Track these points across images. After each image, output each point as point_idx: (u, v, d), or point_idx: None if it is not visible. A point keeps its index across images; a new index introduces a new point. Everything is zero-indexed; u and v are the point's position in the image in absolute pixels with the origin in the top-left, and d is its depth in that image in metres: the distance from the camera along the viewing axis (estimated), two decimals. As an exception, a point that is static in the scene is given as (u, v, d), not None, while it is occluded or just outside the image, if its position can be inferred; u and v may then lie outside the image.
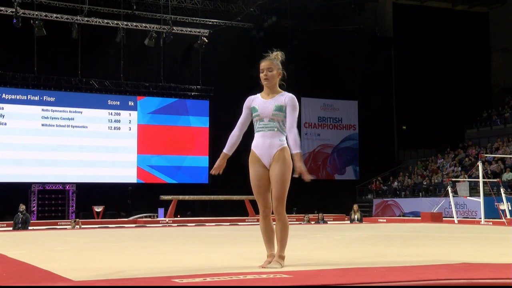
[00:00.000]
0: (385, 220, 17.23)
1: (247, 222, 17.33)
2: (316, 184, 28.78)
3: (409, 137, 31.42)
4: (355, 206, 17.86)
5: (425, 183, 26.03)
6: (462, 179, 22.41)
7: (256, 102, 4.40)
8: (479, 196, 15.72)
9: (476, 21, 32.40)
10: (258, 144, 4.35)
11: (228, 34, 26.91)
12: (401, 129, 32.40)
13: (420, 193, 25.38)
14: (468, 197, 19.79)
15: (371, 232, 10.01)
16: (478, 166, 15.71)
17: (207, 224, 16.27)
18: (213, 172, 4.56)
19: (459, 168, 25.86)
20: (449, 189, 16.63)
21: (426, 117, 29.94)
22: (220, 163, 4.51)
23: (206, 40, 25.87)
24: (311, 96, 29.64)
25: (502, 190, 15.43)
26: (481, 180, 15.35)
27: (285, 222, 4.42)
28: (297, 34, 28.07)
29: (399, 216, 23.14)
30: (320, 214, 18.12)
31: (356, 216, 17.42)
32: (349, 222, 17.64)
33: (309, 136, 29.85)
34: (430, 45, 30.29)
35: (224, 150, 4.51)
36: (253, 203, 19.34)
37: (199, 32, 26.05)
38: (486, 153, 23.08)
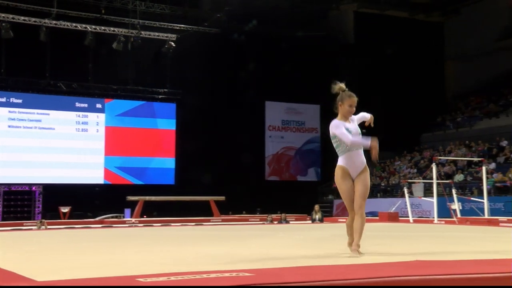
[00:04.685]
0: (345, 220, 17.37)
1: (212, 222, 17.25)
2: (279, 185, 28.95)
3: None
4: (317, 206, 17.98)
5: (383, 184, 26.43)
6: (417, 181, 22.84)
7: (345, 125, 5.25)
8: (433, 196, 16.03)
9: (432, 31, 33.10)
10: (350, 162, 5.23)
11: (195, 39, 26.78)
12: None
13: (379, 194, 25.73)
14: (422, 198, 20.18)
15: (332, 231, 10.10)
16: (432, 168, 16.03)
17: (172, 224, 16.14)
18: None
19: (415, 170, 26.36)
20: (405, 190, 16.91)
21: (384, 121, 30.31)
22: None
23: (174, 45, 25.71)
24: (276, 100, 29.76)
25: (454, 191, 15.79)
26: (434, 181, 15.66)
27: (364, 218, 5.33)
28: (263, 39, 28.13)
29: (359, 216, 23.35)
30: (283, 214, 18.17)
31: (317, 216, 17.54)
32: (310, 222, 17.75)
33: (273, 139, 29.96)
34: (389, 52, 30.74)
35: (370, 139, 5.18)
36: (218, 203, 19.28)
37: (166, 36, 25.87)
38: (440, 156, 23.58)
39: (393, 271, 3.66)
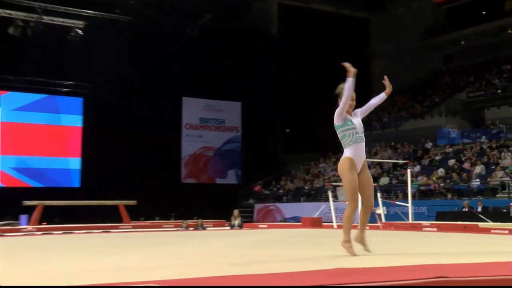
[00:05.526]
0: (266, 226, 17.57)
1: (121, 229, 16.87)
2: (196, 188, 28.83)
3: (293, 141, 32.34)
4: (236, 212, 18.04)
5: (307, 187, 26.96)
6: (342, 184, 23.42)
7: (348, 117, 5.86)
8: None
9: (358, 26, 34.20)
10: (358, 153, 5.73)
11: (106, 27, 26.10)
12: (285, 133, 33.31)
13: (302, 198, 26.22)
14: (347, 202, 20.72)
15: (251, 237, 10.16)
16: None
17: (76, 231, 15.63)
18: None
19: (340, 173, 27.08)
20: (330, 194, 17.30)
21: (310, 120, 30.99)
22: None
23: (81, 33, 24.91)
24: (194, 96, 29.61)
25: (378, 195, 16.29)
26: (360, 184, 16.11)
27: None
28: (182, 30, 27.91)
29: (280, 221, 23.73)
30: (199, 220, 18.11)
31: (236, 222, 17.61)
32: (229, 228, 17.79)
33: (190, 138, 29.78)
34: (314, 47, 31.40)
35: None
36: (129, 208, 18.89)
37: (72, 23, 25.02)
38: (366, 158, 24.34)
39: (314, 279, 3.71)
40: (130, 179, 25.24)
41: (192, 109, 29.88)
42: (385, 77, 5.99)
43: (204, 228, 17.58)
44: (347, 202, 5.83)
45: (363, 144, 5.82)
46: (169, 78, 27.30)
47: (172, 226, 18.58)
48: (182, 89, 28.76)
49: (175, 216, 22.94)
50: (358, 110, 6.02)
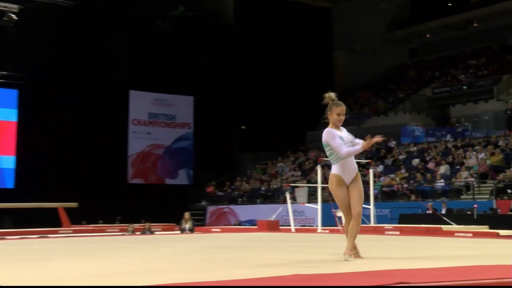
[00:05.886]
0: (219, 230, 17.59)
1: (60, 234, 16.60)
2: (144, 189, 28.57)
3: (249, 139, 32.37)
4: (187, 214, 17.99)
5: (263, 188, 27.07)
6: (301, 185, 23.67)
7: (337, 134, 6.07)
8: (317, 202, 16.68)
9: (320, 17, 34.45)
10: (345, 170, 6.06)
11: (44, 12, 25.53)
12: (241, 130, 33.32)
13: (258, 200, 26.31)
14: (306, 204, 20.95)
15: (203, 242, 10.15)
16: (317, 170, 16.67)
17: (8, 237, 15.29)
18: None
19: (299, 173, 27.32)
20: (288, 195, 17.44)
21: (267, 117, 31.08)
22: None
23: (15, 18, 24.29)
24: (141, 89, 29.31)
25: (340, 196, 16.49)
26: (319, 185, 16.31)
27: (360, 224, 6.19)
28: (129, 18, 27.58)
29: (235, 225, 23.77)
30: (147, 224, 17.99)
31: (187, 226, 17.56)
32: (179, 232, 17.73)
33: (137, 135, 29.48)
34: (274, 38, 31.45)
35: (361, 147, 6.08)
36: (69, 211, 18.58)
37: (5, 7, 24.36)
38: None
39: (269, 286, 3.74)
40: (70, 179, 24.83)
41: (140, 103, 29.57)
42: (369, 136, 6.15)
43: (152, 233, 17.47)
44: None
45: (352, 159, 6.16)
46: (115, 69, 26.95)
47: (117, 230, 18.40)
48: (129, 82, 28.43)
49: (121, 219, 22.70)
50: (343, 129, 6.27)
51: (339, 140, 6.01)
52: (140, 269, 5.49)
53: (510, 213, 17.61)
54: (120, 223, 21.13)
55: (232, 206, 26.66)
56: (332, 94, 6.28)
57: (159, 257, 7.23)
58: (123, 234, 16.85)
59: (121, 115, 28.75)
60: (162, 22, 27.91)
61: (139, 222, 19.52)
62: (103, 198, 24.66)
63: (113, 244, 10.30)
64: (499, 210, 18.33)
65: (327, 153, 6.18)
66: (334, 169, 6.15)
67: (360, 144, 6.07)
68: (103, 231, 17.98)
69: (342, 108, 6.19)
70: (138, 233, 17.39)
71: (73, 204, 19.16)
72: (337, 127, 6.16)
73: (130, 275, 4.87)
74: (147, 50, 27.73)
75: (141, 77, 28.30)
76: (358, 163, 6.41)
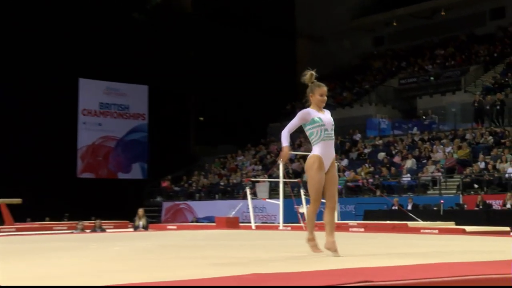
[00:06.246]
0: (175, 227, 17.50)
1: (2, 232, 16.28)
2: (95, 184, 28.27)
3: (207, 131, 32.30)
4: (140, 211, 17.92)
5: (222, 183, 27.07)
6: (262, 179, 23.73)
7: (315, 114, 6.13)
8: (279, 198, 16.73)
9: (282, 3, 34.48)
10: (327, 151, 6.13)
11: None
12: (199, 122, 33.21)
13: (217, 195, 26.31)
14: (267, 200, 21.01)
15: (157, 241, 10.09)
16: (279, 164, 16.71)
17: None
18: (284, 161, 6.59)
19: (260, 167, 27.40)
20: (248, 191, 17.44)
21: (227, 108, 31.06)
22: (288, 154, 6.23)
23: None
24: (92, 77, 28.98)
25: (302, 192, 16.55)
26: (281, 180, 16.35)
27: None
28: (79, 2, 27.18)
29: (192, 221, 23.71)
30: (97, 221, 17.85)
31: (141, 223, 17.50)
32: (133, 229, 17.62)
33: (88, 126, 29.15)
34: (233, 25, 31.39)
35: (286, 143, 6.10)
36: (12, 208, 18.23)
37: None
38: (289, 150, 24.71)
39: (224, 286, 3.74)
40: (14, 173, 24.48)
41: (91, 92, 29.23)
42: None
43: (103, 230, 17.32)
44: (304, 201, 6.23)
45: (332, 142, 6.20)
46: (63, 56, 26.54)
47: (66, 228, 18.19)
48: (79, 69, 28.03)
49: (69, 216, 22.50)
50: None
51: (297, 122, 6.09)
52: (89, 269, 5.42)
53: (476, 208, 18.00)
54: (69, 221, 20.92)
55: (189, 202, 26.58)
56: (313, 72, 6.31)
57: (110, 256, 7.16)
58: (71, 232, 16.64)
59: (70, 105, 28.37)
60: (138, 14, 27.70)
61: (89, 219, 19.37)
62: (50, 193, 24.38)
63: (61, 243, 10.16)
64: (465, 206, 18.72)
65: (307, 134, 6.19)
66: (316, 150, 6.13)
67: (285, 143, 6.11)
68: (50, 229, 17.73)
69: (324, 89, 6.31)
70: (88, 231, 17.24)
71: (17, 200, 18.79)
72: (320, 108, 6.21)
73: (77, 276, 4.81)
74: (99, 36, 27.38)
75: (92, 64, 27.93)
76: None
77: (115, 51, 28.06)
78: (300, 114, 6.12)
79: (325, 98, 6.29)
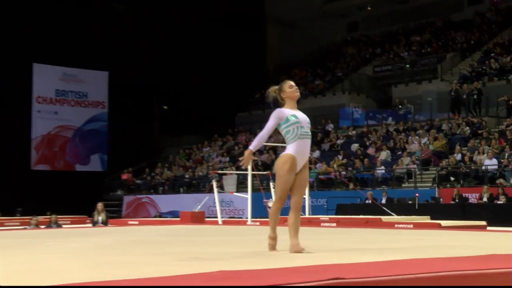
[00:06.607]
0: (137, 222, 17.45)
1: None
2: (50, 177, 28.00)
3: (171, 120, 32.18)
4: (100, 205, 17.83)
5: (187, 176, 27.01)
6: (229, 172, 23.74)
7: (290, 112, 6.18)
8: (247, 192, 16.77)
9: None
10: (302, 150, 6.11)
11: None
12: (162, 110, 33.05)
13: (181, 189, 26.26)
14: (235, 193, 21.04)
15: (117, 237, 10.04)
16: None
17: None
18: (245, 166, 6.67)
19: (227, 159, 27.39)
20: (214, 184, 17.45)
21: (192, 97, 30.94)
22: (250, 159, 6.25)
23: None
24: (47, 63, 28.66)
25: (271, 185, 16.63)
26: (249, 173, 16.39)
27: None
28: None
29: (155, 216, 23.65)
30: (53, 216, 17.72)
31: (100, 218, 17.42)
32: (91, 225, 17.54)
33: (43, 114, 28.84)
34: (198, 7, 31.21)
35: (252, 148, 6.12)
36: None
37: None
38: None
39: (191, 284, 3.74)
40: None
41: (46, 78, 28.90)
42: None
43: (59, 226, 17.23)
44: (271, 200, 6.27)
45: (309, 141, 6.23)
46: (16, 39, 26.18)
47: (18, 224, 18.09)
48: (33, 54, 27.67)
49: (22, 211, 22.28)
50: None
51: (272, 124, 6.13)
52: (43, 267, 5.37)
53: (452, 202, 18.26)
54: (22, 216, 20.75)
55: (152, 196, 26.50)
56: (274, 87, 6.47)
57: (66, 253, 7.10)
58: (24, 228, 16.51)
59: (23, 91, 28.02)
60: (117, 4, 27.50)
61: (44, 214, 19.22)
62: (1, 186, 24.11)
63: (12, 240, 10.04)
64: (441, 199, 18.97)
65: (283, 133, 6.21)
66: (290, 149, 6.14)
67: (249, 148, 6.19)
68: (1, 225, 17.59)
69: (291, 81, 6.52)
70: (42, 226, 17.13)
71: (-34, 194, 18.63)
72: (294, 106, 6.32)
73: (30, 274, 4.76)
74: (55, 18, 27.07)
75: (48, 48, 27.61)
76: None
77: (73, 34, 27.75)
78: (274, 113, 6.18)
79: (296, 87, 6.44)
